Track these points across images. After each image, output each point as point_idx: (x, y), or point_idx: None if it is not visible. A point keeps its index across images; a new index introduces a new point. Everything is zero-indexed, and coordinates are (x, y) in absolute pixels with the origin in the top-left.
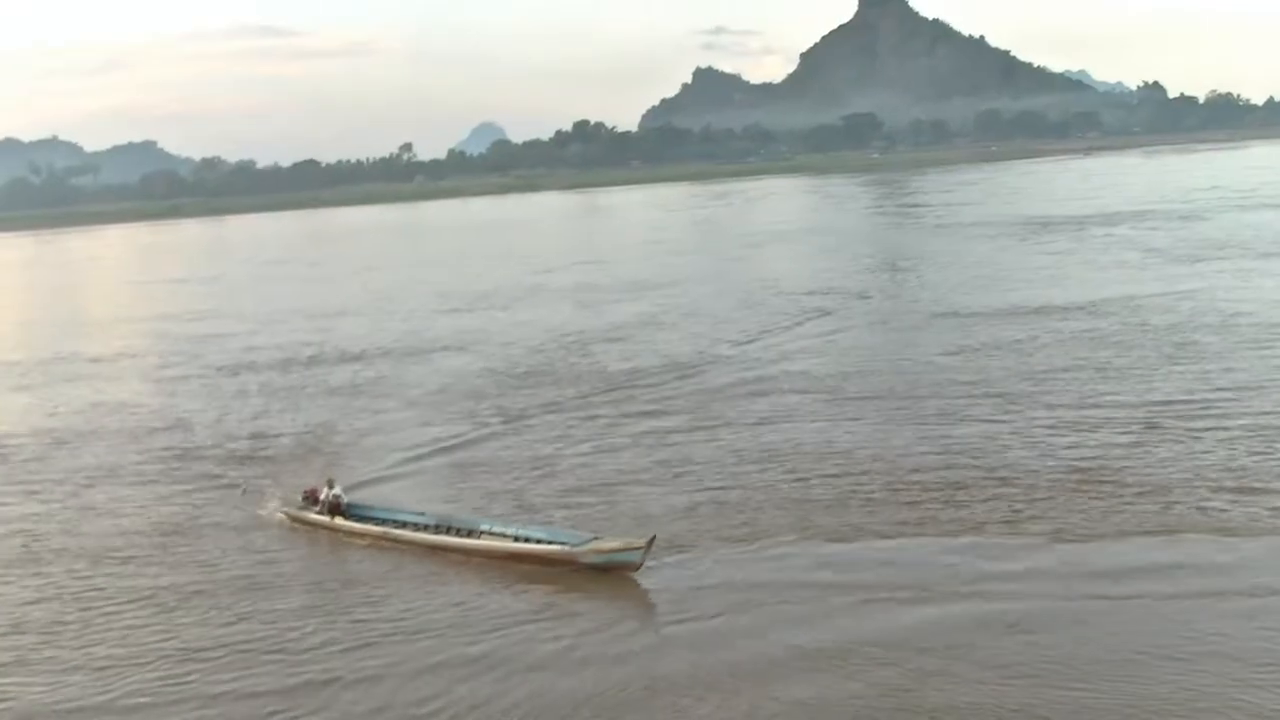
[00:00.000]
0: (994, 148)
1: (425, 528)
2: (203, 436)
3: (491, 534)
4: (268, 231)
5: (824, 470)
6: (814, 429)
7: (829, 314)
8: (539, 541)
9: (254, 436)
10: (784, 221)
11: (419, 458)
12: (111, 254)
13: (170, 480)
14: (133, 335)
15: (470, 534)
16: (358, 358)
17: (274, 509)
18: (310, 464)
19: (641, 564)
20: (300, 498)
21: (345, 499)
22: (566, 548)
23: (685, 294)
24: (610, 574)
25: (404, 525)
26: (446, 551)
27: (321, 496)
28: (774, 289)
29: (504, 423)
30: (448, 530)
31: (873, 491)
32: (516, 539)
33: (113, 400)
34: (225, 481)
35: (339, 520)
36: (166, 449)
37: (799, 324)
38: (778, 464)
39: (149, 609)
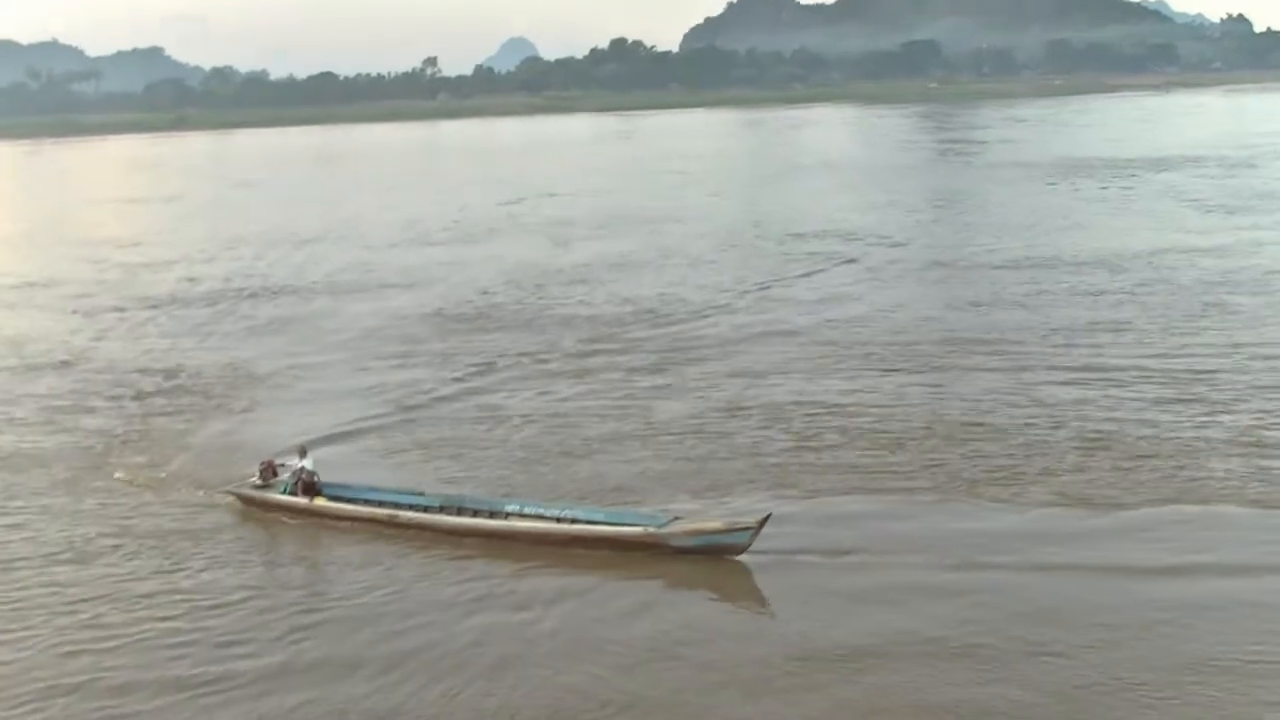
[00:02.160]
0: (1058, 81)
1: (436, 509)
2: (100, 381)
3: (524, 515)
4: (272, 148)
5: (851, 435)
6: (810, 388)
7: (852, 261)
8: (600, 523)
9: (167, 376)
10: (825, 154)
11: (322, 416)
12: (95, 168)
13: (56, 429)
14: (63, 260)
15: (493, 516)
16: (297, 292)
17: (213, 489)
18: (212, 417)
19: (748, 546)
20: (256, 474)
21: (319, 476)
22: (650, 529)
23: (695, 231)
24: (702, 559)
25: (403, 507)
26: (469, 537)
27: (287, 473)
28: (797, 230)
29: (440, 375)
30: (472, 513)
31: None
32: (562, 520)
33: (9, 333)
34: (122, 440)
35: (320, 502)
36: (52, 392)
37: (816, 271)
38: (791, 426)
39: None
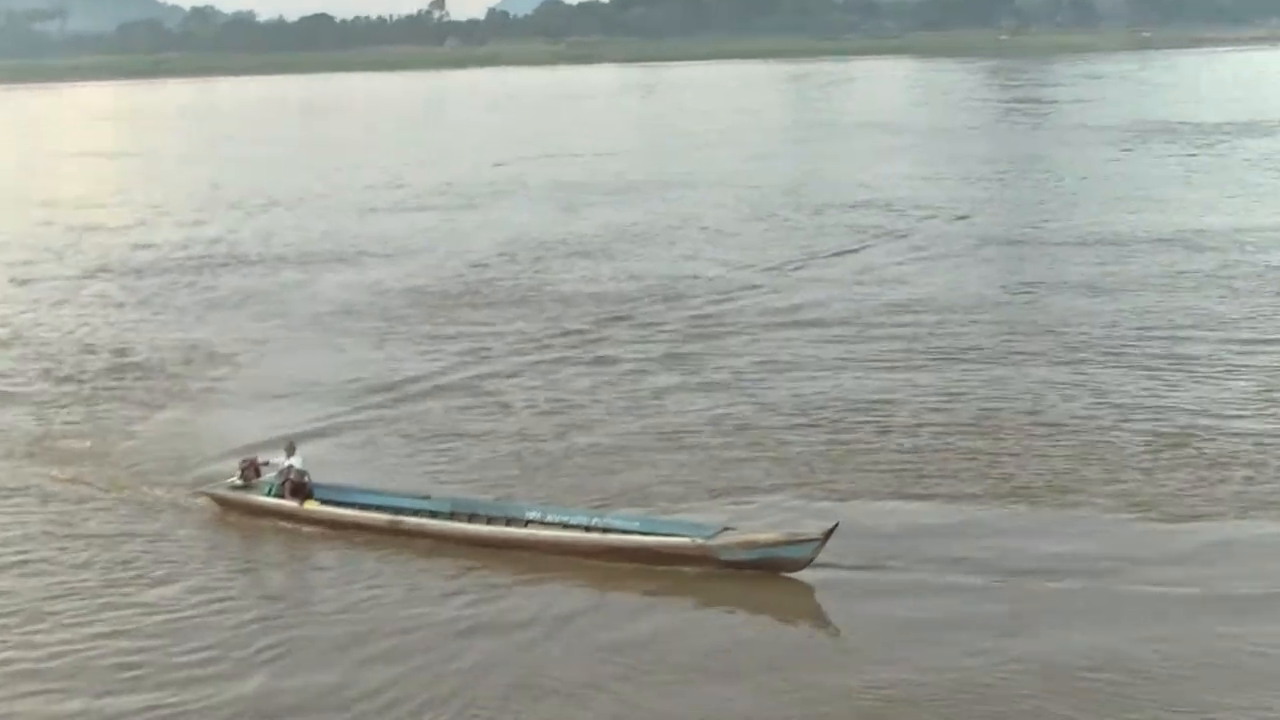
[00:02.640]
0: (1145, 34)
1: (445, 515)
2: (38, 360)
3: (548, 523)
4: (256, 99)
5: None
6: (846, 380)
7: (899, 236)
8: (637, 532)
9: (116, 353)
10: (875, 114)
11: (289, 405)
12: (58, 118)
13: None
14: (9, 221)
15: (510, 523)
16: (265, 261)
17: (180, 487)
18: (166, 404)
19: (811, 561)
20: (238, 473)
21: (310, 475)
22: (697, 540)
23: (722, 199)
24: (754, 575)
25: (407, 513)
26: (483, 547)
27: (272, 473)
28: (838, 200)
29: (426, 360)
30: (486, 519)
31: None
32: (592, 528)
33: None
34: (62, 430)
35: (311, 506)
36: None
37: (857, 247)
38: (824, 422)
39: None
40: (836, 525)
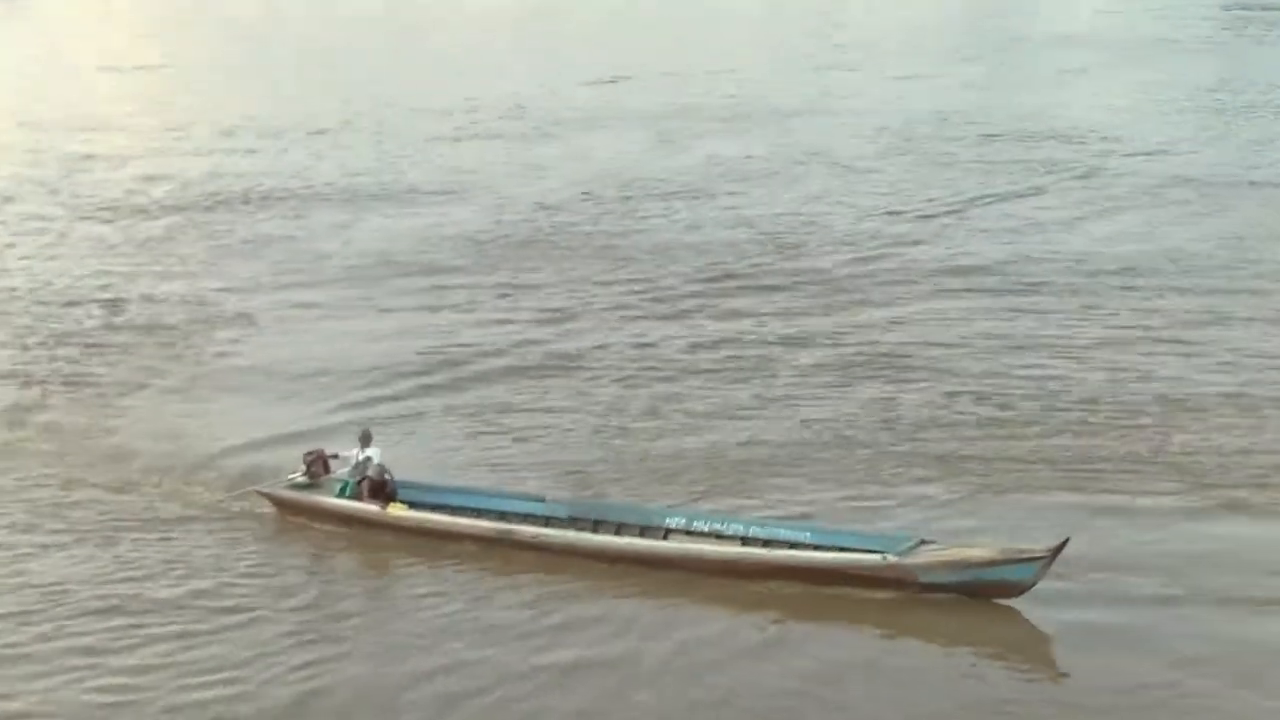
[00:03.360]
0: None
1: (564, 522)
2: (18, 315)
3: (695, 533)
4: (319, 9)
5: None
6: (1004, 349)
7: (1081, 175)
8: (808, 546)
9: (110, 310)
10: (1064, 20)
11: (316, 379)
12: (58, 17)
13: None
14: None
15: (646, 533)
16: (295, 198)
17: (239, 489)
18: (166, 371)
19: (1034, 584)
20: (301, 469)
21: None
22: (889, 557)
23: (858, 127)
24: (957, 601)
25: (515, 519)
26: (615, 563)
27: (345, 467)
28: (1005, 129)
29: (487, 323)
30: (615, 528)
31: None
32: (751, 540)
33: None
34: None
35: (398, 510)
36: None
37: (1024, 190)
38: (977, 399)
39: None
40: (1066, 541)
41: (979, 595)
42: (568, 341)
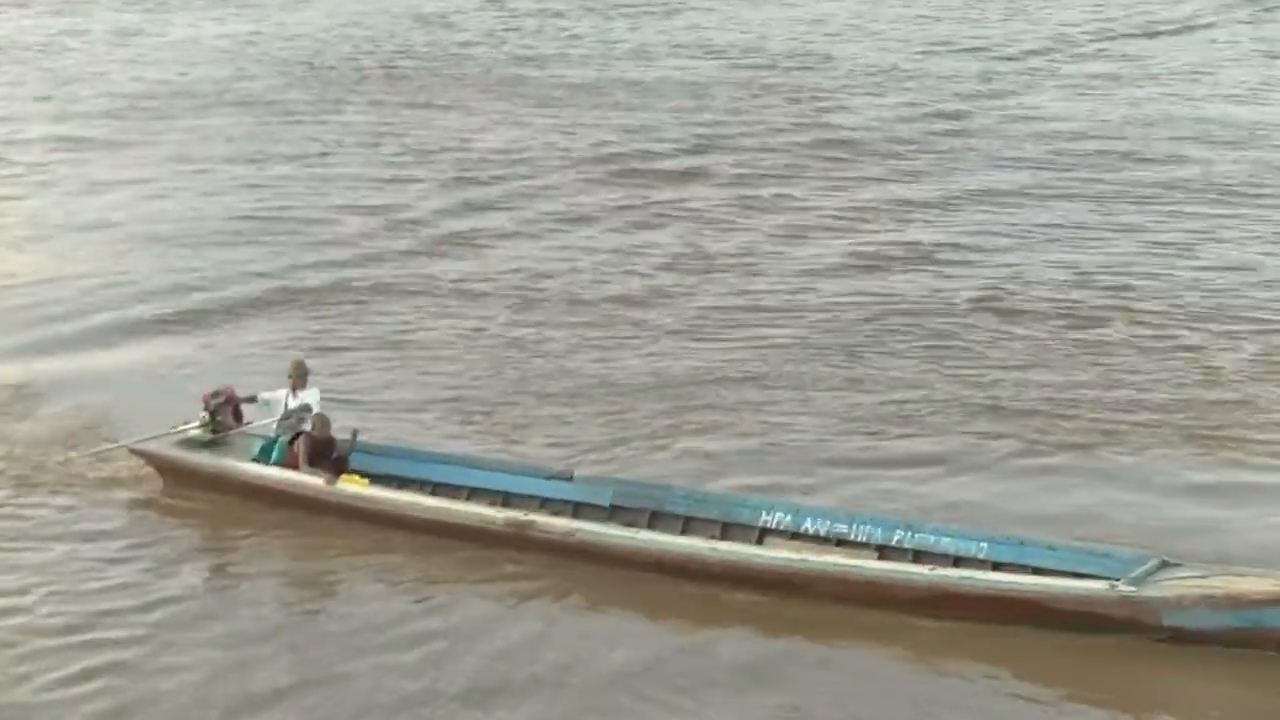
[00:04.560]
0: None
1: (603, 511)
2: None
3: (807, 536)
4: None
5: None
6: None
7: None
8: (987, 562)
9: None
10: None
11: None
12: None
13: None
14: None
15: (728, 533)
16: None
17: (93, 447)
18: None
19: None
20: (200, 418)
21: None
22: (1118, 588)
23: None
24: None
25: (530, 503)
26: (683, 576)
27: (268, 418)
28: None
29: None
30: (680, 522)
31: None
32: (887, 550)
33: None
34: None
35: (354, 484)
36: None
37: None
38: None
39: None
40: None
41: (1254, 647)
42: (458, 220)
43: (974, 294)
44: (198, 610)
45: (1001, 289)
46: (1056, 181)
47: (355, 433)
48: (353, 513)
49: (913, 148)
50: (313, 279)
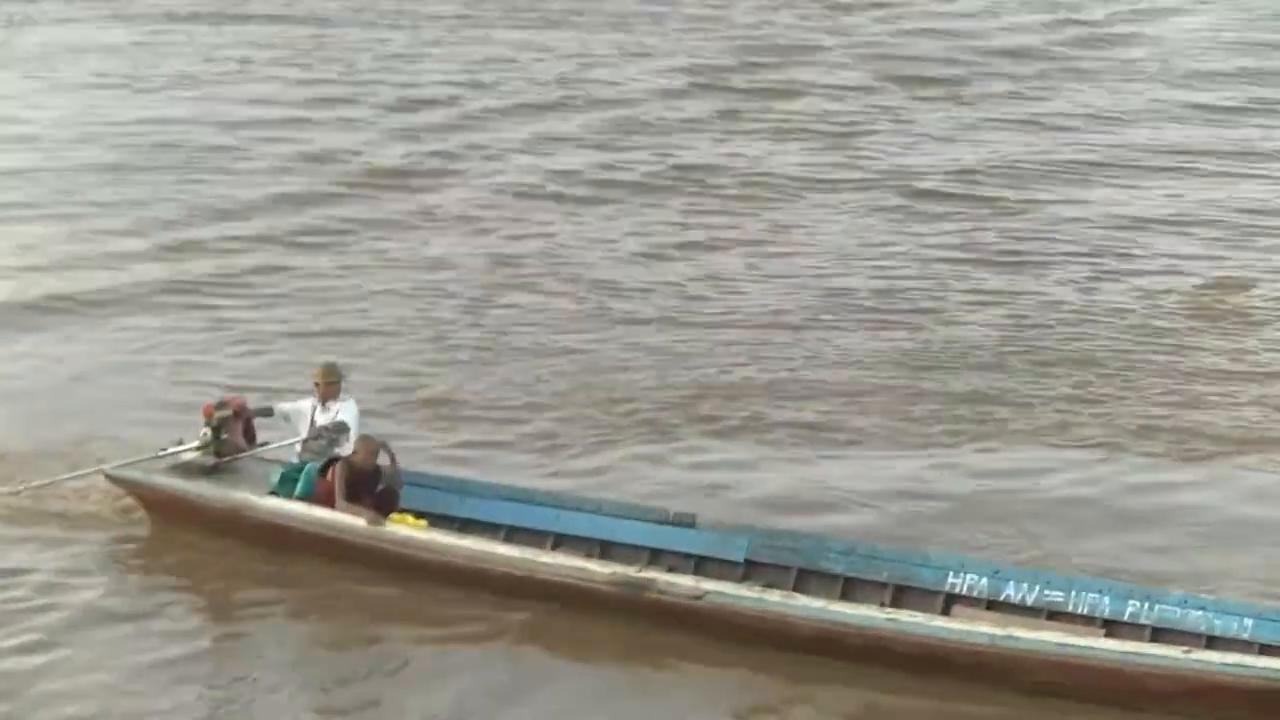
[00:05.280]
0: None
1: (739, 571)
2: None
3: (1005, 605)
4: None
5: None
6: None
7: None
8: (1245, 645)
9: None
10: None
11: None
12: None
13: None
14: None
15: (911, 597)
16: None
17: (46, 477)
18: None
19: None
20: (200, 433)
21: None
22: None
23: None
24: None
25: (646, 557)
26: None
27: (289, 438)
28: None
29: None
30: (841, 584)
31: None
32: (1117, 625)
33: None
34: None
35: (408, 525)
36: None
37: None
38: None
39: None
40: None
41: None
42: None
43: None
44: None
45: None
46: None
47: (390, 450)
48: (408, 564)
49: None
50: (209, 232)
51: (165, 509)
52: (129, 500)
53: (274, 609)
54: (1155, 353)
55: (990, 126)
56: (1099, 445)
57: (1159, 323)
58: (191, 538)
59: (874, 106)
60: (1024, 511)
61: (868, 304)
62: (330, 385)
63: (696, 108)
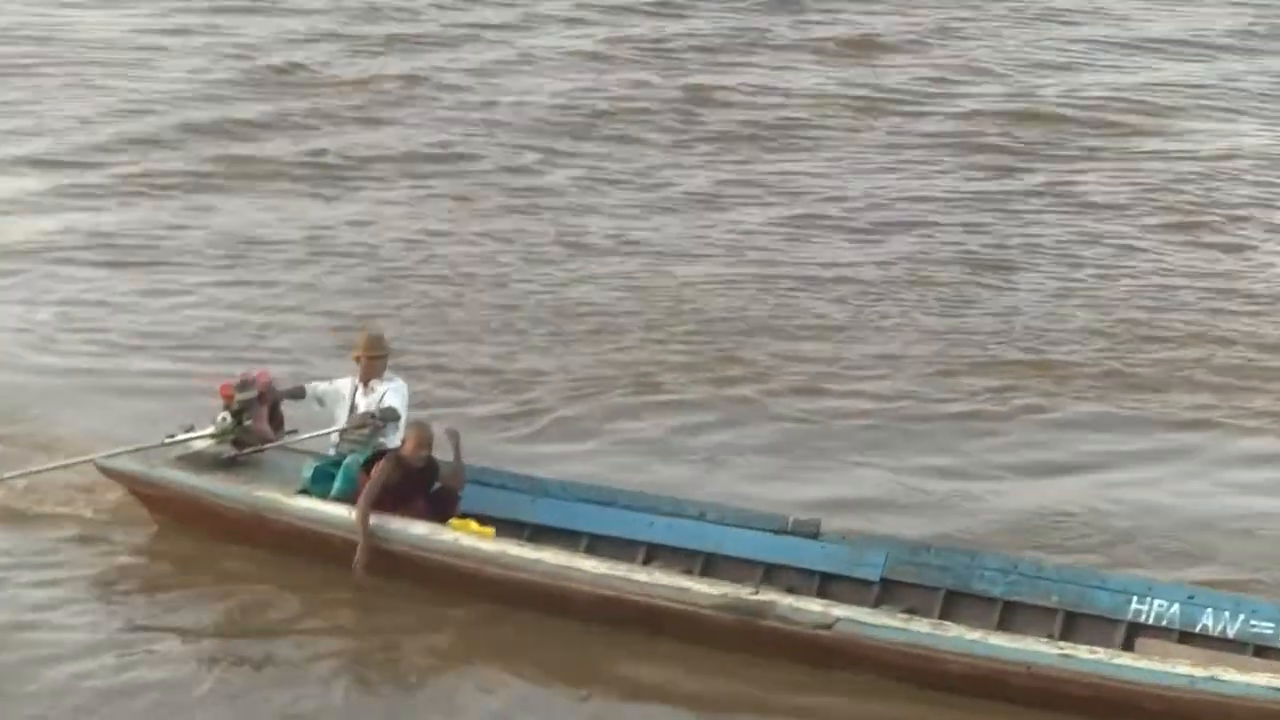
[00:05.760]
0: None
1: (874, 591)
2: None
3: (1195, 635)
4: None
5: None
6: None
7: None
8: None
9: None
10: None
11: None
12: None
13: None
14: None
15: (1089, 627)
16: None
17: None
18: None
19: None
20: (218, 417)
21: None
22: None
23: None
24: None
25: (760, 573)
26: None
27: (332, 416)
28: None
29: None
30: (999, 613)
31: None
32: None
33: None
34: None
35: (476, 536)
36: None
37: None
38: None
39: None
40: None
41: None
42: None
43: None
44: None
45: None
46: None
47: (457, 438)
48: (471, 581)
49: None
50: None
51: (172, 509)
52: (126, 496)
53: (305, 629)
54: None
55: None
56: None
57: None
58: (202, 546)
59: None
60: (1192, 522)
61: None
62: (375, 360)
63: None
